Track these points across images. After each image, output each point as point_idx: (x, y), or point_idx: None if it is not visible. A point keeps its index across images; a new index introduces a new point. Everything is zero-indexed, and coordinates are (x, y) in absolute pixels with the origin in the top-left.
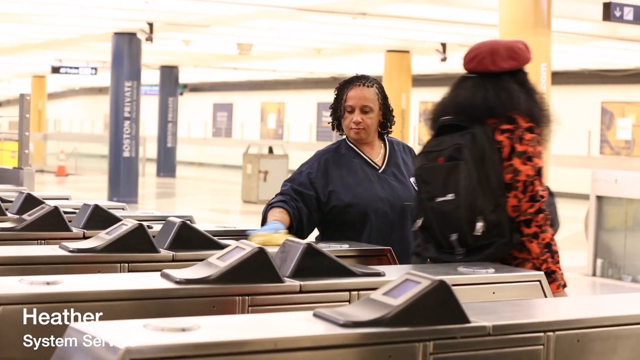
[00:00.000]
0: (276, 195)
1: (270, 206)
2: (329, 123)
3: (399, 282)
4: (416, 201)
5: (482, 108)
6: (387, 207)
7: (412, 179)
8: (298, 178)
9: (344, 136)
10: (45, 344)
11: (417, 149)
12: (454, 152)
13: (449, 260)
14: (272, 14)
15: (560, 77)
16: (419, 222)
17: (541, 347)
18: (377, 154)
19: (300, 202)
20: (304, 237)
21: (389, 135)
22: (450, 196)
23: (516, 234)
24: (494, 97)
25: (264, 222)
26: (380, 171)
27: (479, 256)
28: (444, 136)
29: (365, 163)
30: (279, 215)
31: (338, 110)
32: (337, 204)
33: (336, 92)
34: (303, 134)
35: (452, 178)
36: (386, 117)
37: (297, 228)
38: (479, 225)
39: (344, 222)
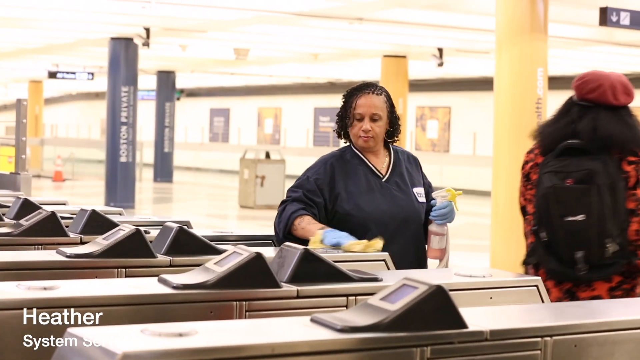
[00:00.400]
0: (284, 203)
1: (294, 213)
2: (334, 131)
3: (396, 287)
4: (540, 215)
5: (618, 140)
6: (387, 218)
7: (415, 190)
8: (306, 184)
9: (347, 143)
10: (43, 348)
11: (414, 154)
12: (585, 176)
13: (571, 274)
14: (268, 19)
15: (556, 82)
16: (543, 235)
17: (538, 352)
18: (381, 163)
19: (315, 208)
20: None
21: (395, 144)
22: (581, 217)
23: (634, 257)
24: (629, 132)
25: (288, 231)
26: (383, 180)
27: (600, 274)
28: (570, 158)
29: (370, 171)
30: (317, 223)
31: (346, 118)
32: (339, 210)
33: (344, 100)
34: (300, 139)
35: (584, 200)
36: (393, 126)
37: None
38: (610, 246)
39: (343, 230)
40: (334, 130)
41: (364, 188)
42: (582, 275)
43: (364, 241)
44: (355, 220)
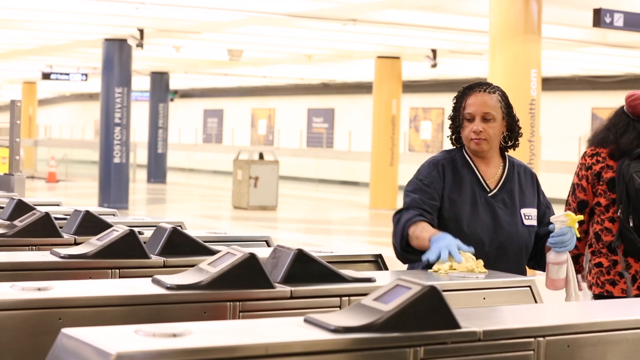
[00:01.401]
0: (401, 210)
1: (408, 221)
2: (448, 137)
3: (389, 288)
4: (633, 206)
5: None
6: (485, 238)
7: (524, 211)
8: (421, 186)
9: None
10: (37, 349)
11: (408, 155)
12: None
13: None
14: (262, 20)
15: (550, 83)
16: (630, 220)
17: (531, 352)
18: (492, 174)
19: (432, 214)
20: None
21: (513, 151)
22: None
23: None
24: None
25: (406, 243)
26: (490, 194)
27: None
28: None
29: (477, 181)
30: (433, 229)
31: (457, 119)
32: (442, 213)
33: (455, 101)
34: (293, 140)
35: None
36: (511, 129)
37: None
38: None
39: None
40: (447, 136)
41: (467, 199)
42: None
43: (465, 264)
44: (450, 232)
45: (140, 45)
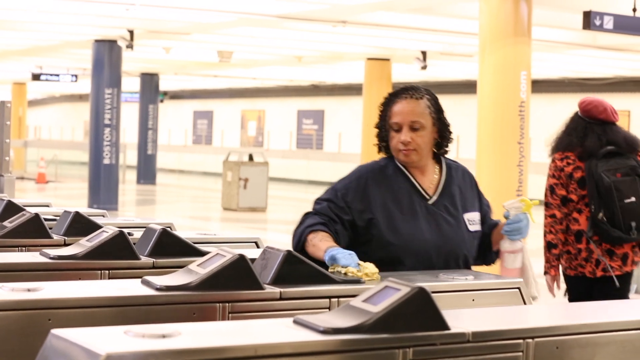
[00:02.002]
0: (308, 214)
1: (309, 227)
2: (375, 145)
3: (378, 289)
4: (603, 201)
5: (638, 144)
6: (431, 250)
7: (467, 216)
8: (334, 197)
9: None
10: (26, 350)
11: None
12: (629, 171)
13: (627, 238)
14: (252, 22)
15: (540, 86)
16: (601, 215)
17: (520, 353)
18: (429, 181)
19: (339, 224)
20: None
21: (446, 155)
22: (633, 198)
23: None
24: (637, 138)
25: (301, 247)
26: (430, 202)
27: None
28: (611, 159)
29: (415, 191)
30: (330, 241)
31: (383, 129)
32: (374, 234)
33: (381, 109)
34: (283, 142)
35: (633, 187)
36: (442, 135)
37: None
38: None
39: (378, 259)
40: (374, 144)
41: (406, 211)
42: (634, 237)
43: (362, 271)
44: (392, 249)
45: (130, 46)
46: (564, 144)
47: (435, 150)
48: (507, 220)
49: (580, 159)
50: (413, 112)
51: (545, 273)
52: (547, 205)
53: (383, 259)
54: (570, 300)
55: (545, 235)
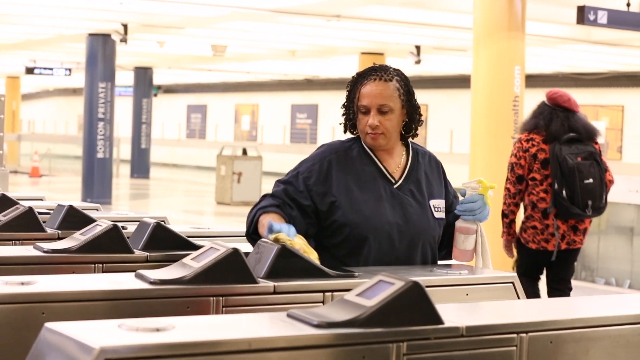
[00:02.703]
0: (265, 196)
1: (261, 209)
2: (340, 124)
3: (372, 284)
4: (566, 180)
5: (596, 132)
6: (394, 233)
7: (433, 202)
8: (294, 181)
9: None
10: (21, 343)
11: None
12: (588, 155)
13: (583, 214)
14: (246, 16)
15: (534, 80)
16: (564, 193)
17: (514, 348)
18: (395, 164)
19: (295, 210)
20: None
21: (414, 140)
22: (590, 180)
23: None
24: (595, 127)
25: (252, 228)
26: (395, 186)
27: (598, 213)
28: (573, 145)
29: (380, 174)
30: (277, 219)
31: (351, 110)
32: (337, 219)
33: (348, 88)
34: (277, 136)
35: (592, 170)
36: (411, 118)
37: None
38: (604, 196)
39: (340, 243)
40: (340, 124)
41: (370, 194)
42: (590, 215)
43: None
44: (355, 233)
45: (124, 40)
46: (531, 126)
47: (403, 133)
48: (461, 200)
49: (545, 142)
50: (382, 94)
51: (502, 237)
52: (506, 179)
53: (346, 241)
54: (519, 272)
55: (502, 207)
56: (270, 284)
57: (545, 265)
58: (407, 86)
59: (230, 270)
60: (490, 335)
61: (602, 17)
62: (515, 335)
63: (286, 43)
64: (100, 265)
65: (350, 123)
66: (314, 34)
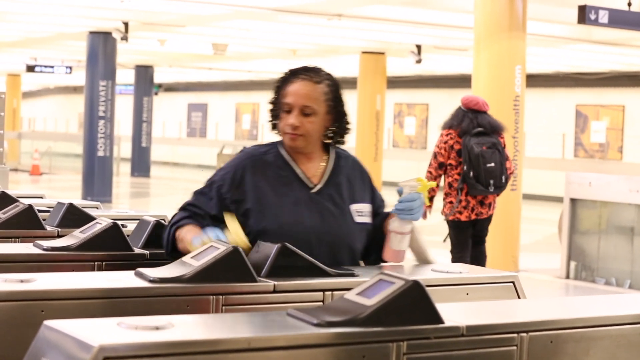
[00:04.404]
0: (180, 210)
1: (174, 225)
2: (269, 121)
3: (372, 283)
4: (473, 164)
5: (501, 127)
6: (312, 239)
7: (354, 207)
8: (208, 191)
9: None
10: (20, 341)
11: (392, 151)
12: (491, 145)
13: (487, 192)
14: (247, 15)
15: (535, 80)
16: (471, 174)
17: (514, 347)
18: (314, 169)
19: (207, 219)
20: None
21: (340, 146)
22: (492, 164)
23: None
24: (500, 123)
25: (170, 247)
26: (313, 191)
27: (499, 191)
28: (479, 137)
29: (296, 178)
30: (195, 230)
31: (276, 106)
32: (253, 226)
33: (277, 84)
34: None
35: (494, 156)
36: (339, 124)
37: None
38: (504, 178)
39: None
40: (269, 121)
41: (286, 199)
42: (492, 191)
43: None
44: (272, 240)
45: (124, 38)
46: (448, 124)
47: (328, 140)
48: (399, 198)
49: (459, 135)
50: (307, 95)
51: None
52: (429, 164)
53: None
54: (452, 244)
55: None
56: (270, 282)
57: (465, 231)
58: (336, 92)
59: (230, 268)
60: (490, 334)
61: (603, 17)
62: (515, 334)
63: (287, 42)
64: (100, 263)
65: (276, 122)
66: (315, 33)
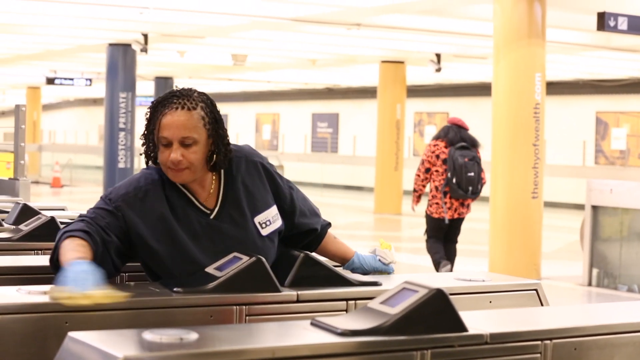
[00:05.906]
0: (80, 216)
1: (68, 232)
2: (141, 154)
3: (396, 291)
4: (456, 172)
5: (478, 143)
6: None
7: (258, 218)
8: (105, 214)
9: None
10: (44, 353)
11: (413, 160)
12: (472, 158)
13: (466, 196)
14: (266, 25)
15: (554, 88)
16: (454, 180)
17: (538, 355)
18: (207, 192)
19: (112, 235)
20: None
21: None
22: (472, 173)
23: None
24: (477, 139)
25: (55, 254)
26: (212, 217)
27: (475, 196)
28: (462, 150)
29: (191, 206)
30: (80, 252)
31: (150, 141)
32: (153, 268)
33: (147, 116)
34: (298, 145)
35: (473, 167)
36: (218, 147)
37: (100, 266)
38: (479, 186)
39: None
40: (140, 154)
41: (184, 230)
42: (470, 196)
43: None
44: (177, 274)
45: (144, 50)
46: (436, 136)
47: (210, 163)
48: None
49: (445, 147)
50: (185, 126)
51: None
52: (418, 169)
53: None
54: (429, 235)
55: (414, 185)
56: (293, 292)
57: (443, 228)
58: (213, 113)
59: (253, 279)
60: (514, 342)
61: (623, 23)
62: (539, 342)
63: (306, 52)
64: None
65: (152, 155)
66: (334, 42)
